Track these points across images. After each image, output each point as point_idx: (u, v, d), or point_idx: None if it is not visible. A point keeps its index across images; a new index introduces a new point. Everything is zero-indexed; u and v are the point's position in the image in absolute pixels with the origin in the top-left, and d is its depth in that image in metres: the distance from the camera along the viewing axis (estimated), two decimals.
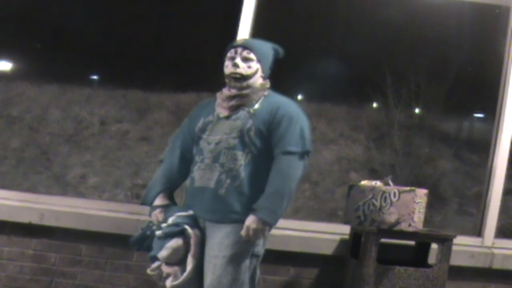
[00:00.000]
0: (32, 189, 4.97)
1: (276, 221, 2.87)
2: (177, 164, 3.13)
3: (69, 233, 3.83)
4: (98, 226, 3.82)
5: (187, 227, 2.90)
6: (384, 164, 5.96)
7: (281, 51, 3.18)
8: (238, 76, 2.99)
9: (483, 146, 4.54)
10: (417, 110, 6.20)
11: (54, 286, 3.86)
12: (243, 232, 2.83)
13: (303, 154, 2.93)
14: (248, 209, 2.88)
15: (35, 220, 3.81)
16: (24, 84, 6.05)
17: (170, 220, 2.93)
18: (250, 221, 2.82)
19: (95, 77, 6.31)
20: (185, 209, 3.03)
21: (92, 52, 5.89)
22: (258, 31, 4.04)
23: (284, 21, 5.18)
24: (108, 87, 6.16)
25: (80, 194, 5.35)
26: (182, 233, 2.91)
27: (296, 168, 2.91)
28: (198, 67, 5.91)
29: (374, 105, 6.29)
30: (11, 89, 5.94)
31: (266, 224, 2.84)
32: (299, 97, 5.41)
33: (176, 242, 2.90)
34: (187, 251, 2.91)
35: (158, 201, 3.09)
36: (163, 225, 2.94)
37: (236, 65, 2.99)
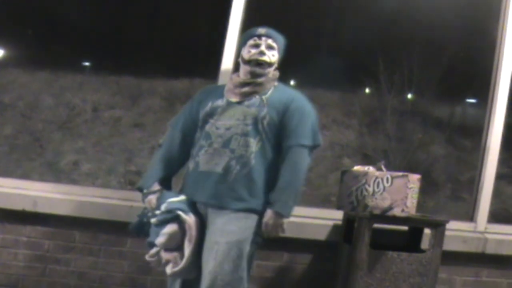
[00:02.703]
0: (25, 176, 4.94)
1: (290, 214, 2.98)
2: (178, 148, 3.17)
3: (63, 220, 3.84)
4: (91, 213, 3.83)
5: (180, 213, 2.91)
6: (377, 149, 5.97)
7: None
8: (263, 63, 3.07)
9: (476, 131, 4.55)
10: (410, 96, 6.20)
11: (48, 273, 3.86)
12: (263, 229, 2.95)
13: (313, 148, 3.02)
14: (255, 197, 2.94)
15: (28, 207, 3.81)
16: (16, 71, 6.01)
17: (163, 207, 2.95)
18: (268, 216, 2.93)
19: (87, 63, 6.27)
20: (176, 194, 3.05)
21: (85, 38, 5.85)
22: (250, 16, 4.02)
23: (276, 7, 5.17)
24: (100, 73, 6.12)
25: (73, 181, 5.34)
26: (176, 219, 2.93)
27: (306, 161, 3.02)
28: (191, 53, 5.88)
29: (367, 90, 6.28)
30: (3, 76, 5.90)
31: (283, 217, 2.94)
32: (292, 83, 5.41)
33: (171, 227, 2.92)
34: (183, 236, 2.94)
35: (151, 187, 3.12)
36: (157, 212, 2.96)
37: (262, 53, 3.08)
